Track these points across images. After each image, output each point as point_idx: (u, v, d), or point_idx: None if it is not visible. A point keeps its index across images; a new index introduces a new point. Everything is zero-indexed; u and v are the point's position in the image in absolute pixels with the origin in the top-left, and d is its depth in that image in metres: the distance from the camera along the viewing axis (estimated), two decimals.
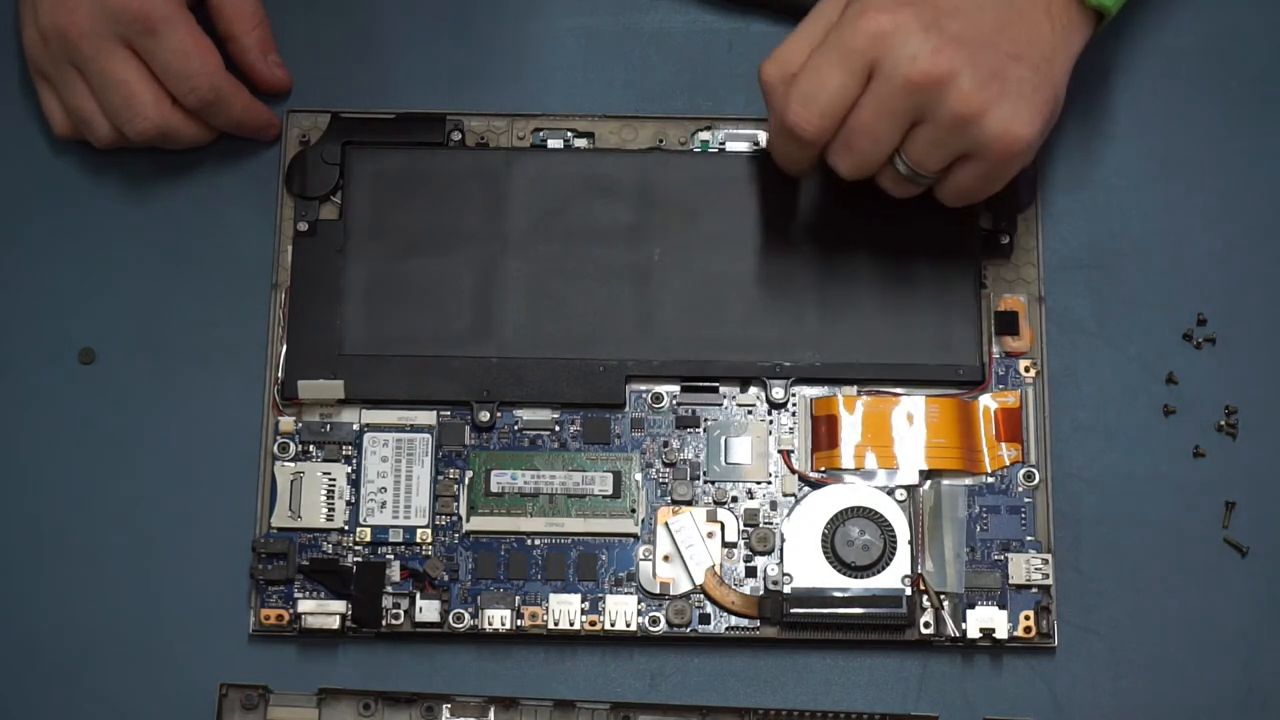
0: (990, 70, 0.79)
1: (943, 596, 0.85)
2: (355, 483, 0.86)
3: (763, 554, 0.85)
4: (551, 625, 0.85)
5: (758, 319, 0.87)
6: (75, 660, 0.85)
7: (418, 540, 0.86)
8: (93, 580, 0.86)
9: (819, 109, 0.80)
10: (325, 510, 0.86)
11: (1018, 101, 0.80)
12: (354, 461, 0.86)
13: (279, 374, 0.87)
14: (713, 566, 0.85)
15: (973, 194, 0.83)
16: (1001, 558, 0.85)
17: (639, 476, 0.86)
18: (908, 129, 0.80)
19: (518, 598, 0.85)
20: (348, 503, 0.86)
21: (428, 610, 0.85)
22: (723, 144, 0.89)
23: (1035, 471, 0.86)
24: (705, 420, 0.87)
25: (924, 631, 0.84)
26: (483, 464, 0.86)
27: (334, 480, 0.86)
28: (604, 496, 0.86)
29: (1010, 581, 0.85)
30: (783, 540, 0.85)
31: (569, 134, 0.90)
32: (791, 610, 0.84)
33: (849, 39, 0.79)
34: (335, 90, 0.91)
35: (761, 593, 0.85)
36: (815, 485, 0.86)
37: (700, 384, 0.87)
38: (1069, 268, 0.89)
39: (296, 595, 0.85)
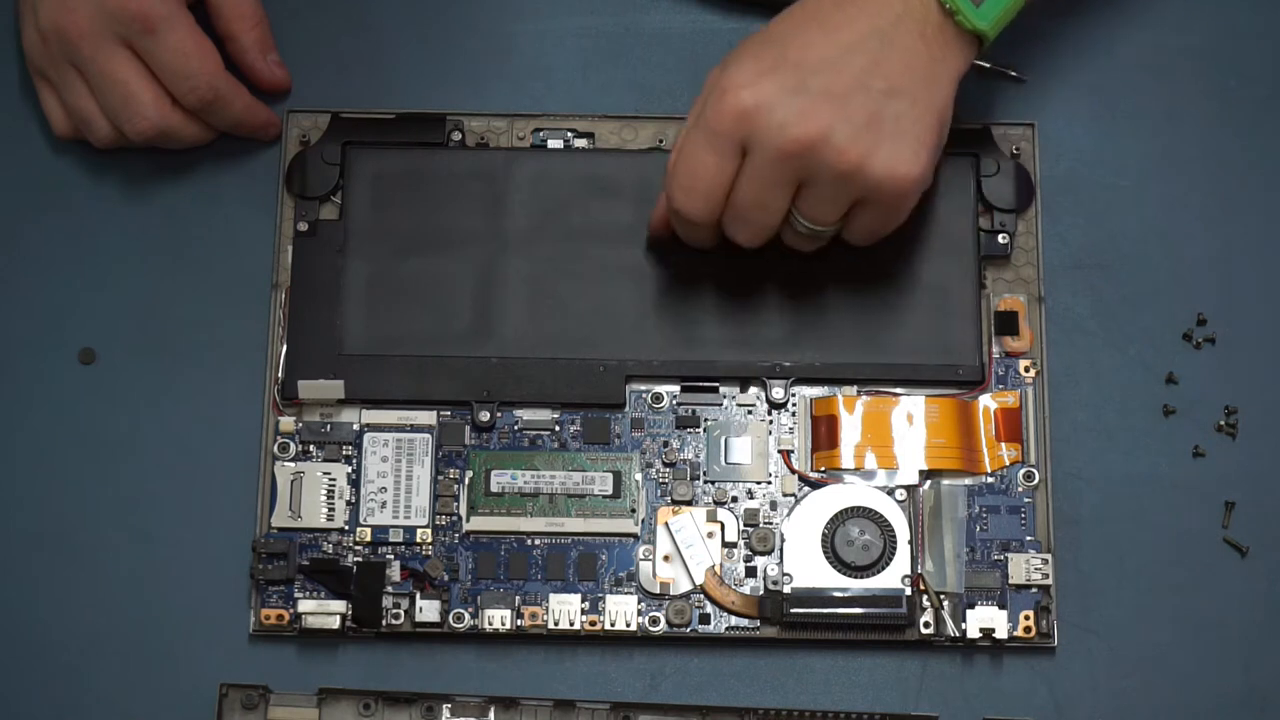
0: (865, 117, 0.79)
1: (943, 596, 0.85)
2: (355, 483, 0.86)
3: (763, 554, 0.85)
4: (551, 625, 0.85)
5: (758, 319, 0.87)
6: (75, 660, 0.85)
7: (418, 540, 0.86)
8: (93, 580, 0.86)
9: (700, 194, 0.81)
10: (325, 510, 0.86)
11: (898, 141, 0.79)
12: (354, 461, 0.86)
13: (279, 374, 0.87)
14: (713, 566, 0.85)
15: (877, 233, 0.83)
16: (1001, 558, 0.85)
17: (639, 476, 0.86)
18: (795, 191, 0.81)
19: (518, 598, 0.85)
20: (348, 503, 0.86)
21: (428, 610, 0.85)
22: None
23: (1035, 471, 0.86)
24: (705, 420, 0.87)
25: (924, 631, 0.84)
26: (483, 464, 0.86)
27: (334, 480, 0.86)
28: (604, 496, 0.86)
29: (1010, 581, 0.85)
30: (783, 540, 0.85)
31: (569, 134, 0.90)
32: (791, 610, 0.84)
33: (715, 122, 0.79)
34: (335, 90, 0.91)
35: (761, 593, 0.85)
36: (815, 485, 0.86)
37: (700, 384, 0.87)
38: (1069, 268, 0.89)
39: (296, 595, 0.85)
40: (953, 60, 0.81)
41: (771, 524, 0.86)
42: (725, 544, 0.85)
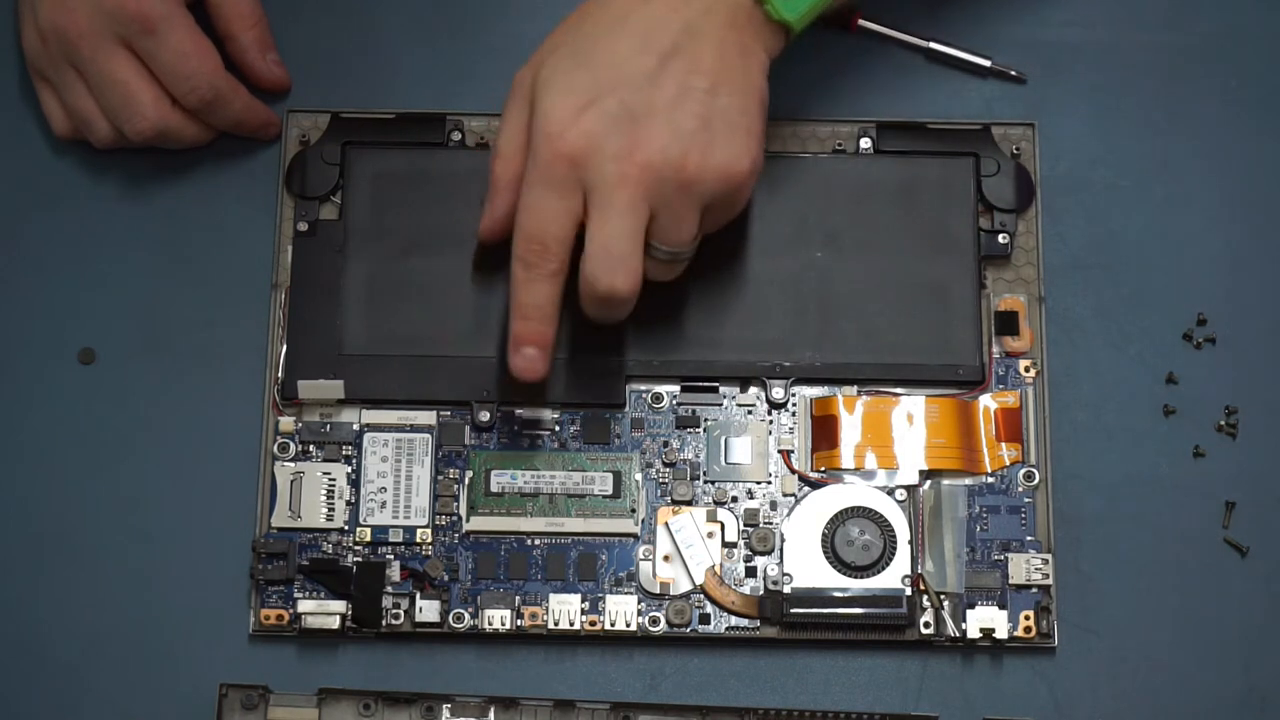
0: (694, 123, 0.79)
1: (943, 596, 0.85)
2: (355, 483, 0.86)
3: (763, 554, 0.85)
4: (551, 625, 0.85)
5: (758, 319, 0.87)
6: (75, 660, 0.85)
7: (418, 540, 0.86)
8: (93, 580, 0.86)
9: (553, 241, 0.80)
10: (325, 510, 0.86)
11: (729, 137, 0.80)
12: (354, 461, 0.86)
13: (279, 374, 0.87)
14: (713, 566, 0.85)
15: (721, 225, 0.84)
16: (1001, 558, 0.85)
17: (639, 476, 0.86)
18: (649, 221, 0.80)
19: (518, 598, 0.85)
20: (348, 503, 0.86)
21: (428, 610, 0.85)
22: None
23: (1035, 471, 0.86)
24: (705, 420, 0.87)
25: (924, 631, 0.84)
26: (483, 464, 0.86)
27: (334, 480, 0.86)
28: (604, 496, 0.86)
29: (1010, 581, 0.85)
30: (783, 540, 0.85)
31: None
32: (791, 610, 0.84)
33: (549, 171, 0.79)
34: (335, 90, 0.91)
35: (761, 593, 0.85)
36: (815, 485, 0.86)
37: (700, 384, 0.87)
38: (1069, 268, 0.89)
39: (296, 595, 0.85)
40: (762, 47, 0.81)
41: (771, 524, 0.86)
42: (725, 544, 0.85)
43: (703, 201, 0.80)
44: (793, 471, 0.86)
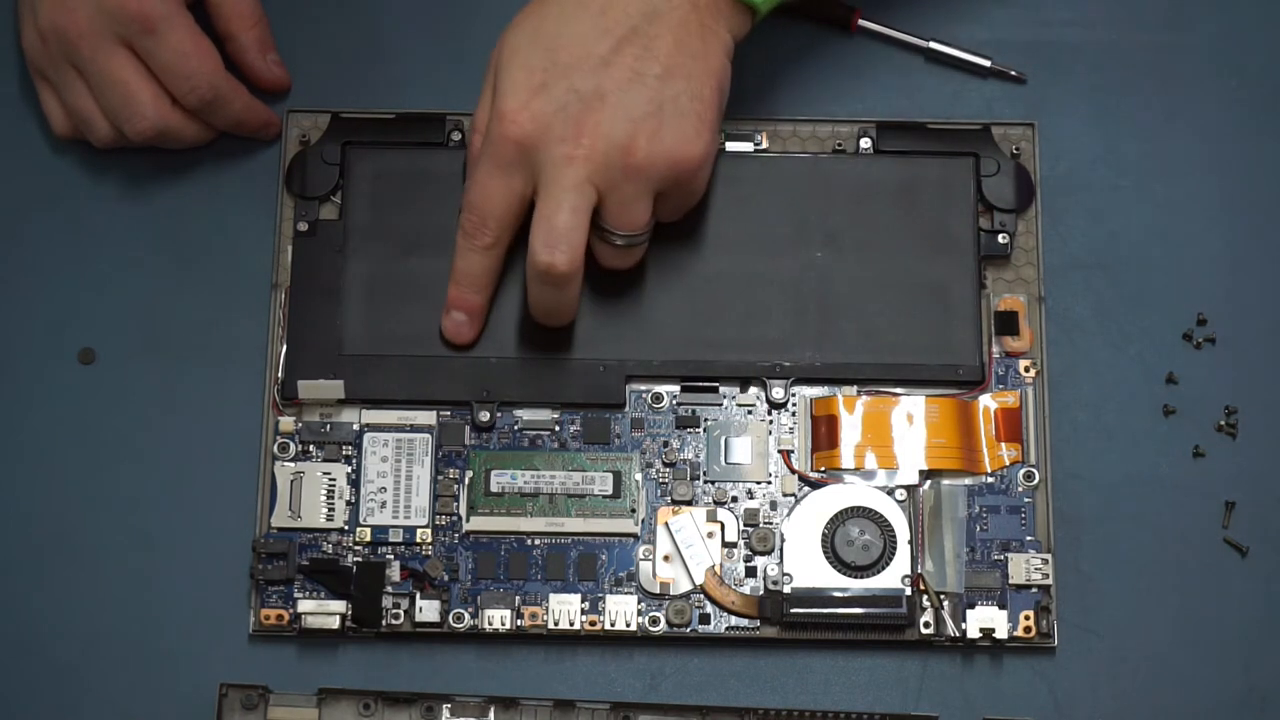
0: (643, 108, 0.79)
1: (943, 596, 0.85)
2: (355, 483, 0.86)
3: (763, 554, 0.85)
4: (551, 625, 0.85)
5: (758, 319, 0.87)
6: (75, 660, 0.85)
7: (418, 540, 0.86)
8: (93, 580, 0.86)
9: (494, 219, 0.82)
10: (325, 510, 0.86)
11: (679, 123, 0.80)
12: (354, 461, 0.86)
13: (279, 374, 0.87)
14: (713, 566, 0.85)
15: (681, 212, 0.84)
16: (1001, 558, 0.85)
17: (639, 476, 0.86)
18: (596, 203, 0.80)
19: (518, 598, 0.85)
20: (348, 503, 0.86)
21: (428, 610, 0.85)
22: (723, 144, 0.89)
23: (1035, 471, 0.86)
24: (705, 420, 0.87)
25: (924, 631, 0.84)
26: (483, 464, 0.86)
27: (334, 480, 0.86)
28: (604, 496, 0.86)
29: (1010, 581, 0.85)
30: (783, 540, 0.85)
31: None
32: (791, 610, 0.84)
33: (499, 151, 0.80)
34: (335, 90, 0.91)
35: (761, 593, 0.85)
36: (815, 485, 0.86)
37: (700, 384, 0.87)
38: (1069, 268, 0.89)
39: (296, 595, 0.85)
40: (724, 29, 0.81)
41: (771, 524, 0.86)
42: (725, 544, 0.85)
43: (653, 187, 0.81)
44: (793, 471, 0.86)
